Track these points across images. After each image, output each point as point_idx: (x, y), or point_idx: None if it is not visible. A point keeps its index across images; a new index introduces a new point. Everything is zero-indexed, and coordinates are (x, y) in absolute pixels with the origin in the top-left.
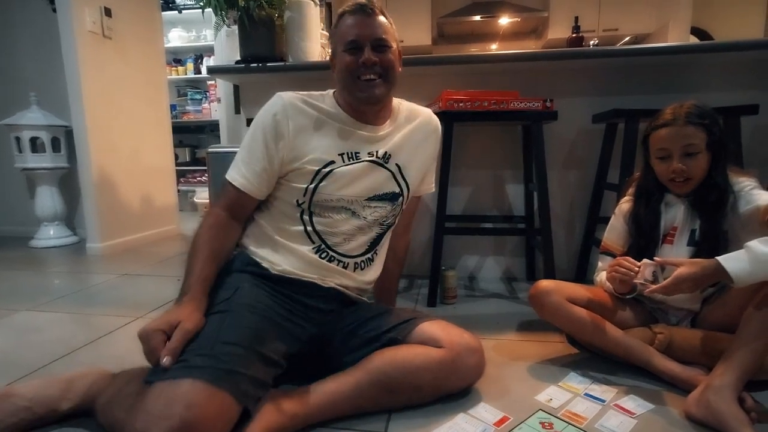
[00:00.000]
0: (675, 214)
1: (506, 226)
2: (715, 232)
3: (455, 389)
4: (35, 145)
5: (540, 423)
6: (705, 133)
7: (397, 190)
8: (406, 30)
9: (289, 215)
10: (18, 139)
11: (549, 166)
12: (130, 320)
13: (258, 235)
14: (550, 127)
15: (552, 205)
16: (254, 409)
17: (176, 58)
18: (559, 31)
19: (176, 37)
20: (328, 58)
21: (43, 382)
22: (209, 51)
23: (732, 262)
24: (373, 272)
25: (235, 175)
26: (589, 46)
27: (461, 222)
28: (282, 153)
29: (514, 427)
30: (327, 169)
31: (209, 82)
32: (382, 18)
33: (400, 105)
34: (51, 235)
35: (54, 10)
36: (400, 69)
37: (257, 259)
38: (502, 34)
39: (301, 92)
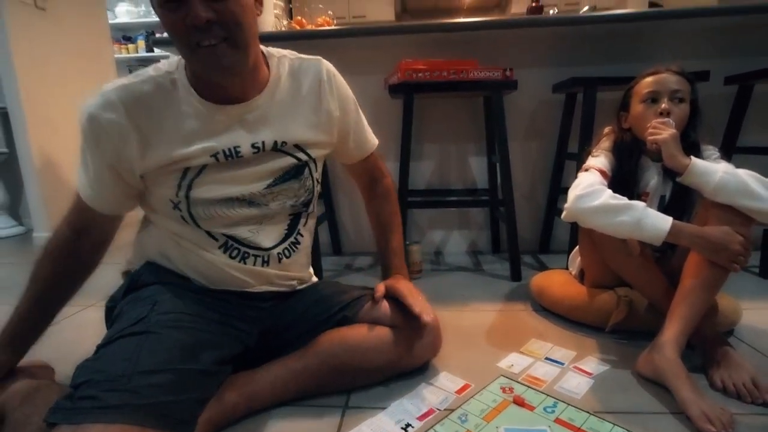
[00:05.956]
0: (648, 180)
1: (469, 198)
2: (685, 196)
3: (409, 368)
4: None
5: (500, 388)
6: (689, 86)
7: (298, 161)
8: (369, 4)
9: (172, 217)
10: None
11: (510, 137)
12: (78, 309)
13: (160, 243)
14: (510, 98)
15: (514, 177)
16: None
17: (126, 36)
18: (522, 5)
19: (124, 12)
20: (285, 26)
21: None
22: (161, 27)
23: (701, 161)
24: (301, 253)
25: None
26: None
27: (425, 196)
28: (131, 166)
29: (476, 393)
30: (198, 169)
31: (163, 60)
32: None
33: (280, 63)
34: None
35: None
36: (259, 15)
37: (173, 270)
38: (466, 9)
39: (137, 74)
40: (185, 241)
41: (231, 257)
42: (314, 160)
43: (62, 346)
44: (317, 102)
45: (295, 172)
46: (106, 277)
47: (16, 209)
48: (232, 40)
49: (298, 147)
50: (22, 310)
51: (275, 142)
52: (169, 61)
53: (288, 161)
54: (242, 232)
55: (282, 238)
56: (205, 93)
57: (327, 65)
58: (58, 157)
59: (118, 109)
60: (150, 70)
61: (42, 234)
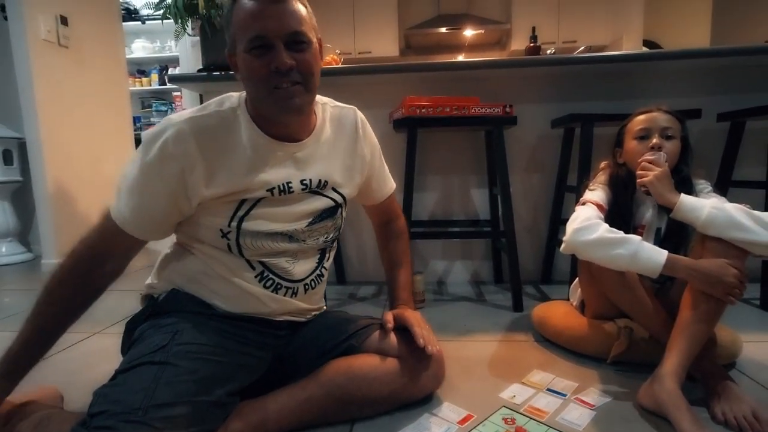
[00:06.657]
0: (644, 213)
1: (472, 230)
2: (680, 230)
3: (412, 400)
4: None
5: (503, 419)
6: (679, 125)
7: (334, 203)
8: (373, 41)
9: (217, 245)
10: None
11: (511, 170)
12: (85, 336)
13: (191, 269)
14: (511, 132)
15: (516, 208)
16: None
17: (140, 69)
18: (521, 43)
19: (140, 48)
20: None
21: None
22: (174, 62)
23: (689, 198)
24: (323, 285)
25: (126, 217)
26: (546, 54)
27: (428, 227)
28: (192, 200)
29: (478, 424)
30: (255, 202)
31: (174, 93)
32: (296, 3)
33: (324, 109)
34: (3, 252)
35: (5, 18)
36: (321, 65)
37: (198, 297)
38: (468, 46)
39: (201, 108)
40: (221, 266)
41: (265, 287)
42: (345, 202)
43: (70, 373)
44: (353, 147)
45: (331, 212)
46: (111, 306)
47: (25, 236)
48: (305, 84)
49: (335, 189)
50: (24, 336)
51: (319, 181)
52: (229, 98)
53: (326, 202)
54: (281, 262)
55: (311, 271)
56: (265, 130)
57: (360, 114)
58: (71, 186)
59: (188, 139)
60: (213, 105)
61: (51, 261)
